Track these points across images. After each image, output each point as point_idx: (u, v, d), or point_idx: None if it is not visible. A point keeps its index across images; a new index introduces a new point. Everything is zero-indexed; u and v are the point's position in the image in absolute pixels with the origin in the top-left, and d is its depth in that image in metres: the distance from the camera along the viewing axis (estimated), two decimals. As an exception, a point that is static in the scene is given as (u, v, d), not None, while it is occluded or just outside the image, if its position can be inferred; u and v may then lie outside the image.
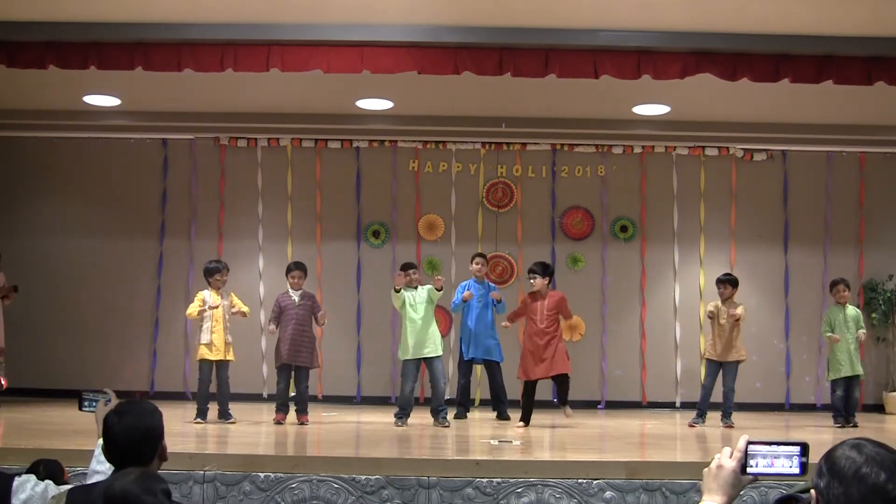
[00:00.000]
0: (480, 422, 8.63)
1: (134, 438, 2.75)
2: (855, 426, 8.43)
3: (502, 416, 8.72)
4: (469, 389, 9.17)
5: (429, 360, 7.94)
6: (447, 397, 8.15)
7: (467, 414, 8.95)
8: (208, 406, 7.90)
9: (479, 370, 9.34)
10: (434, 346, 7.95)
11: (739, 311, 8.25)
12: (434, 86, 8.52)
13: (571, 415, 8.04)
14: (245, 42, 7.41)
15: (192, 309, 8.03)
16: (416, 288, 8.06)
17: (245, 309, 8.25)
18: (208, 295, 8.02)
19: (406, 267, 8.13)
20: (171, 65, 7.49)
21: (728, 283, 8.58)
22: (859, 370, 8.71)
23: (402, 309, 8.00)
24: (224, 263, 8.23)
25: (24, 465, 5.03)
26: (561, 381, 8.05)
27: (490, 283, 9.18)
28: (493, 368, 8.87)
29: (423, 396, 9.83)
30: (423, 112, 9.96)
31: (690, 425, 8.25)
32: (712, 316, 8.45)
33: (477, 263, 8.95)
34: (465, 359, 8.91)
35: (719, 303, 8.54)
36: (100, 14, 7.18)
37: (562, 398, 8.10)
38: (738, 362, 8.33)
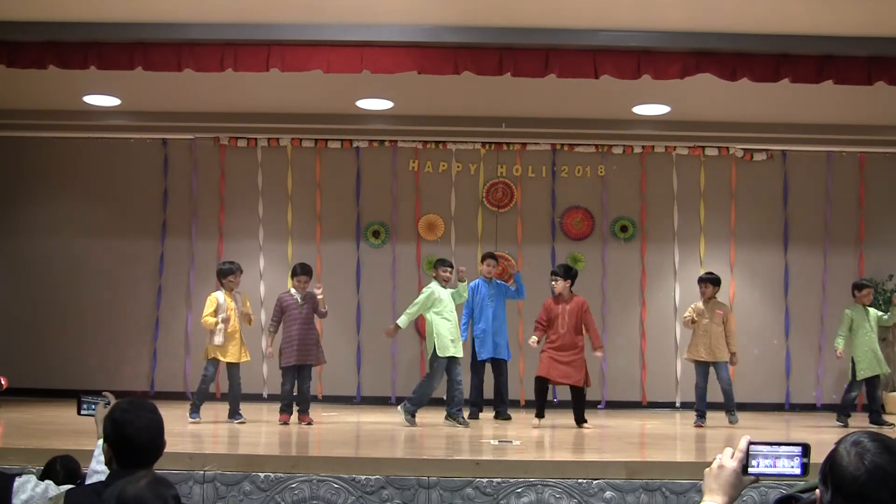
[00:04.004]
0: (480, 422, 8.61)
1: (153, 435, 2.75)
2: (883, 426, 8.36)
3: (502, 416, 8.71)
4: (482, 389, 9.10)
5: (453, 360, 7.95)
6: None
7: (479, 414, 8.90)
8: (203, 403, 7.91)
9: (486, 367, 9.30)
10: (460, 346, 8.03)
11: (734, 350, 8.32)
12: (434, 86, 8.51)
13: (590, 427, 7.85)
14: (245, 42, 7.40)
15: (208, 319, 7.89)
16: (444, 285, 8.11)
17: (252, 315, 8.24)
18: (221, 297, 7.98)
19: (440, 263, 8.20)
20: (171, 65, 7.49)
21: (710, 282, 8.54)
22: (886, 368, 8.62)
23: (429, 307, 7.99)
24: (238, 265, 8.14)
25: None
26: (574, 394, 7.94)
27: (498, 282, 9.13)
28: (500, 366, 8.86)
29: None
30: (423, 112, 9.95)
31: (697, 426, 8.24)
32: (694, 321, 8.41)
33: (487, 265, 8.94)
34: (479, 359, 8.89)
35: (700, 303, 8.52)
36: (100, 14, 7.18)
37: (576, 414, 7.93)
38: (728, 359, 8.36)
